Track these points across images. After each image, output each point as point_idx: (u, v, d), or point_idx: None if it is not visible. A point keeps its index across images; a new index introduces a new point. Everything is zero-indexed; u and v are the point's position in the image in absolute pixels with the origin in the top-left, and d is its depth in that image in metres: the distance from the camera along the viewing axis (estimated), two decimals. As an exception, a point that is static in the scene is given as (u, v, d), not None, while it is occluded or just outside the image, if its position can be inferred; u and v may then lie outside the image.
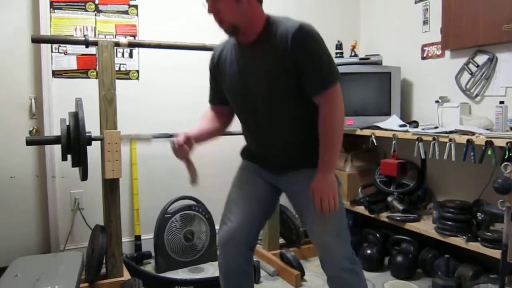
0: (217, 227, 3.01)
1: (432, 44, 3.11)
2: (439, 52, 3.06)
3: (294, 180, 1.70)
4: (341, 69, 2.14)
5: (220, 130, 1.83)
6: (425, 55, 3.18)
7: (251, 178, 1.80)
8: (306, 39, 1.50)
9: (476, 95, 2.81)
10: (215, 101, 1.83)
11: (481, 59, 2.76)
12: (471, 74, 2.82)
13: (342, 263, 1.63)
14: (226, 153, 2.82)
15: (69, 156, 2.24)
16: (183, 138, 1.57)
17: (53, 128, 2.83)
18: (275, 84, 1.57)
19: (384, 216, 2.94)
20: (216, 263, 2.17)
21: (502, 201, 2.05)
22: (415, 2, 3.25)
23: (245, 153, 1.87)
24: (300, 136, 1.67)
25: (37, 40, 2.43)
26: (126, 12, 3.00)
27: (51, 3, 2.80)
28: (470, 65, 2.82)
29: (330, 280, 1.69)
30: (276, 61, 1.53)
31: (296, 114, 1.63)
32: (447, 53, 3.00)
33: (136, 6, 3.03)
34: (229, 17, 1.52)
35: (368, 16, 3.78)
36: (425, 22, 3.17)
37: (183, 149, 1.58)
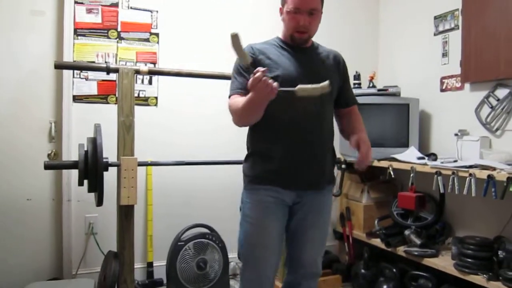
0: (230, 256, 2.97)
1: (452, 76, 3.09)
2: (458, 85, 3.03)
3: (320, 194, 1.93)
4: (359, 100, 2.13)
5: None
6: (444, 88, 3.16)
7: (272, 212, 1.87)
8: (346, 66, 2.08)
9: (497, 129, 2.76)
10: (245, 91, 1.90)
11: (501, 92, 2.73)
12: (492, 107, 2.78)
13: (318, 277, 2.04)
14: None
15: (85, 181, 2.24)
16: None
17: (71, 152, 2.86)
18: (332, 82, 1.82)
19: (401, 250, 2.87)
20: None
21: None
22: (435, 34, 3.24)
23: (263, 175, 1.87)
24: (331, 133, 1.98)
25: (60, 66, 2.47)
26: (147, 40, 3.06)
27: (75, 29, 2.88)
28: (491, 99, 2.79)
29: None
30: (333, 68, 1.98)
31: (331, 111, 2.01)
32: (467, 86, 2.97)
33: (157, 34, 3.09)
34: (313, 31, 1.93)
35: (387, 48, 3.79)
36: (444, 54, 3.16)
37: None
